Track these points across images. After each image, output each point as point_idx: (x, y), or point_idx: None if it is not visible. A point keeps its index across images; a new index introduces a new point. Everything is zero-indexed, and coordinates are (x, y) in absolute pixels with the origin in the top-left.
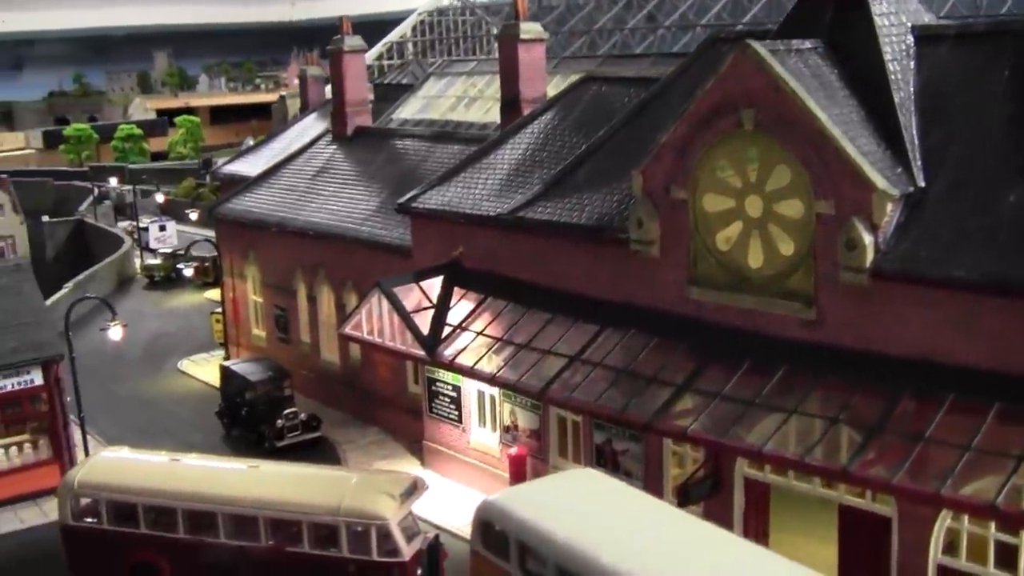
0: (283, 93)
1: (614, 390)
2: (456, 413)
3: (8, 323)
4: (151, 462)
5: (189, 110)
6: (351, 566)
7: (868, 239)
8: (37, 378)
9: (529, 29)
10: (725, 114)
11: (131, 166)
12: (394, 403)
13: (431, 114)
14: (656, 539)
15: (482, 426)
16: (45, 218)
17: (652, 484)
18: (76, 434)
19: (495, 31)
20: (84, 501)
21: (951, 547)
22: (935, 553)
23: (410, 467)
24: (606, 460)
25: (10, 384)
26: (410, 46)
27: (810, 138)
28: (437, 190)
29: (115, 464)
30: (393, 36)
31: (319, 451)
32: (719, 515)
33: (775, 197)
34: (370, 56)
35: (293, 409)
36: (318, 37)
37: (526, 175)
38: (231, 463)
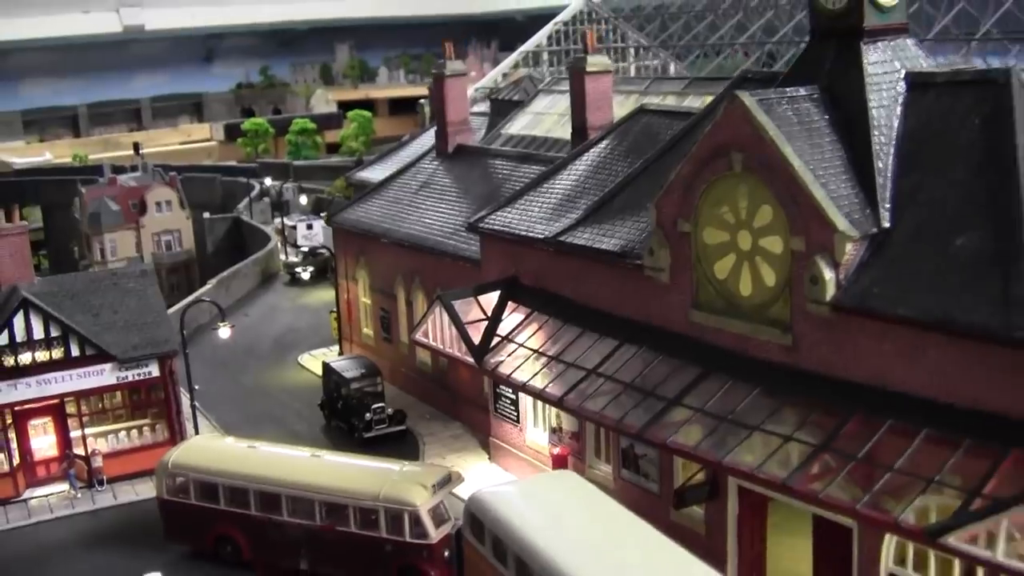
0: (421, 100)
1: (619, 401)
2: (515, 413)
3: (133, 322)
4: (232, 448)
5: (369, 102)
6: (388, 545)
7: (829, 275)
8: (154, 370)
9: (596, 62)
10: (720, 156)
11: (296, 163)
12: (474, 402)
13: (536, 130)
14: (601, 542)
15: (536, 426)
16: (206, 215)
17: (665, 486)
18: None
19: (632, 36)
20: (177, 479)
21: (902, 559)
22: (887, 563)
23: (479, 461)
24: (630, 462)
25: (131, 375)
26: (545, 55)
27: (785, 181)
28: (502, 211)
29: (203, 448)
30: (529, 45)
31: (403, 443)
32: (717, 519)
33: (761, 233)
34: (507, 64)
35: (381, 404)
36: (496, 29)
37: (576, 200)
38: (297, 451)
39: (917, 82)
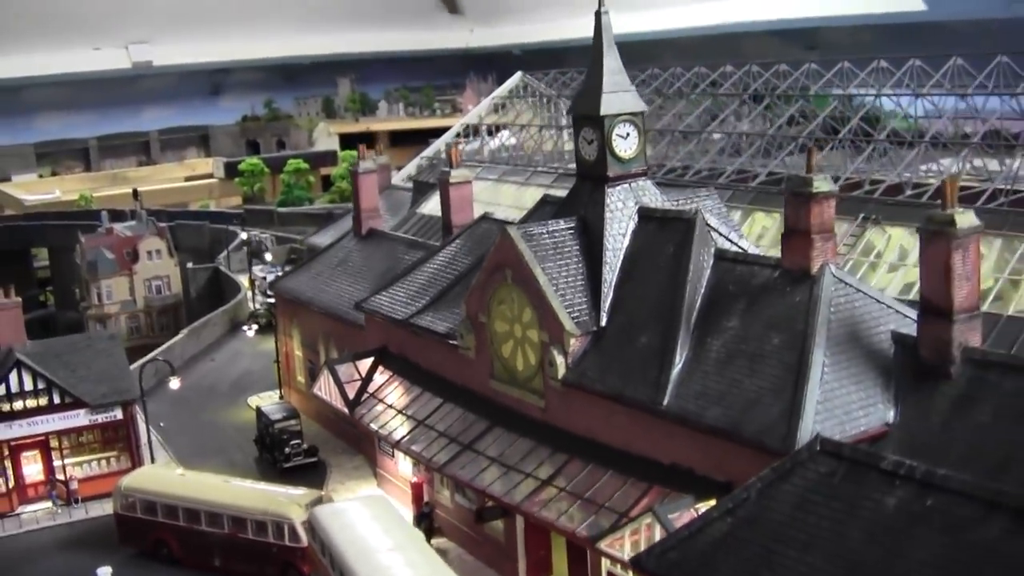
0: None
1: (433, 444)
2: (392, 449)
3: (102, 376)
4: (169, 475)
5: (369, 134)
6: (274, 548)
7: (560, 360)
8: (119, 414)
9: (458, 175)
10: (499, 271)
11: (280, 210)
12: (371, 440)
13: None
14: (382, 546)
15: (405, 460)
16: (189, 264)
17: (478, 506)
18: (157, 450)
19: (564, 111)
20: (128, 499)
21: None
22: (606, 564)
23: (369, 487)
24: (460, 489)
25: (101, 417)
26: (483, 128)
27: (536, 292)
28: (379, 295)
29: (147, 475)
30: (470, 117)
31: (314, 471)
32: (510, 531)
33: (526, 326)
34: (450, 135)
35: (298, 440)
36: (493, 63)
37: (428, 289)
38: (213, 478)
39: (643, 215)
